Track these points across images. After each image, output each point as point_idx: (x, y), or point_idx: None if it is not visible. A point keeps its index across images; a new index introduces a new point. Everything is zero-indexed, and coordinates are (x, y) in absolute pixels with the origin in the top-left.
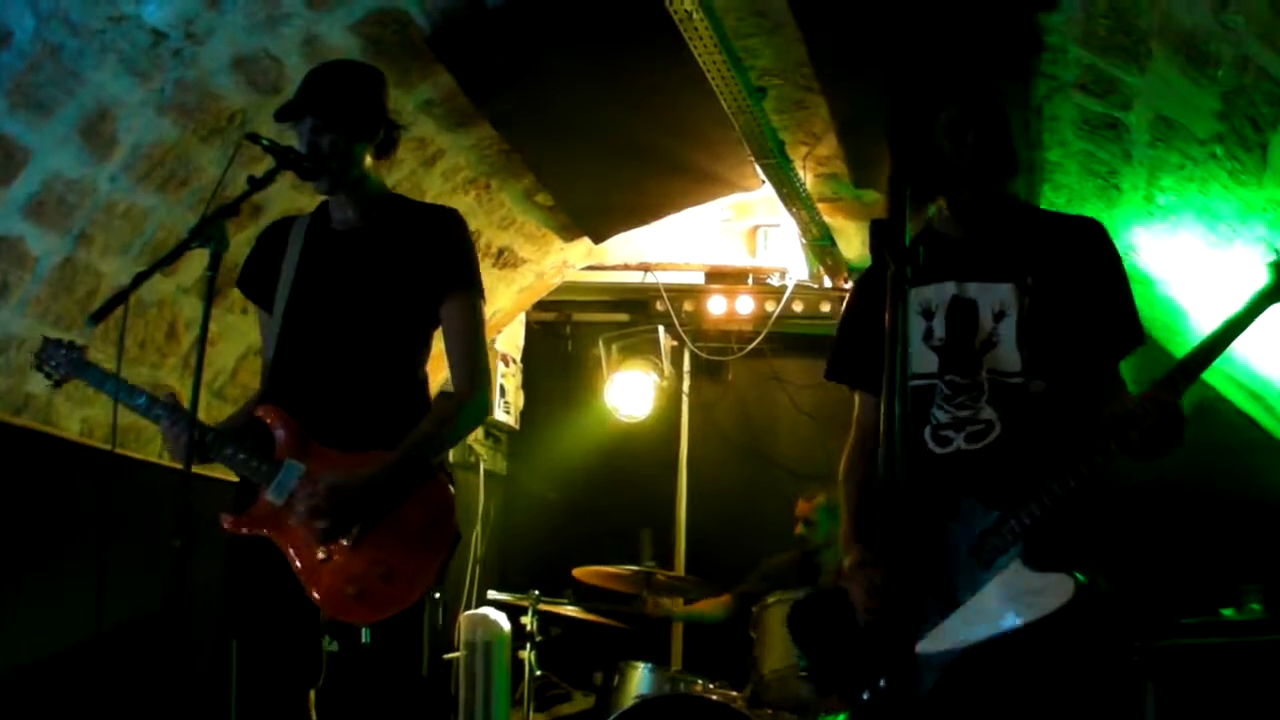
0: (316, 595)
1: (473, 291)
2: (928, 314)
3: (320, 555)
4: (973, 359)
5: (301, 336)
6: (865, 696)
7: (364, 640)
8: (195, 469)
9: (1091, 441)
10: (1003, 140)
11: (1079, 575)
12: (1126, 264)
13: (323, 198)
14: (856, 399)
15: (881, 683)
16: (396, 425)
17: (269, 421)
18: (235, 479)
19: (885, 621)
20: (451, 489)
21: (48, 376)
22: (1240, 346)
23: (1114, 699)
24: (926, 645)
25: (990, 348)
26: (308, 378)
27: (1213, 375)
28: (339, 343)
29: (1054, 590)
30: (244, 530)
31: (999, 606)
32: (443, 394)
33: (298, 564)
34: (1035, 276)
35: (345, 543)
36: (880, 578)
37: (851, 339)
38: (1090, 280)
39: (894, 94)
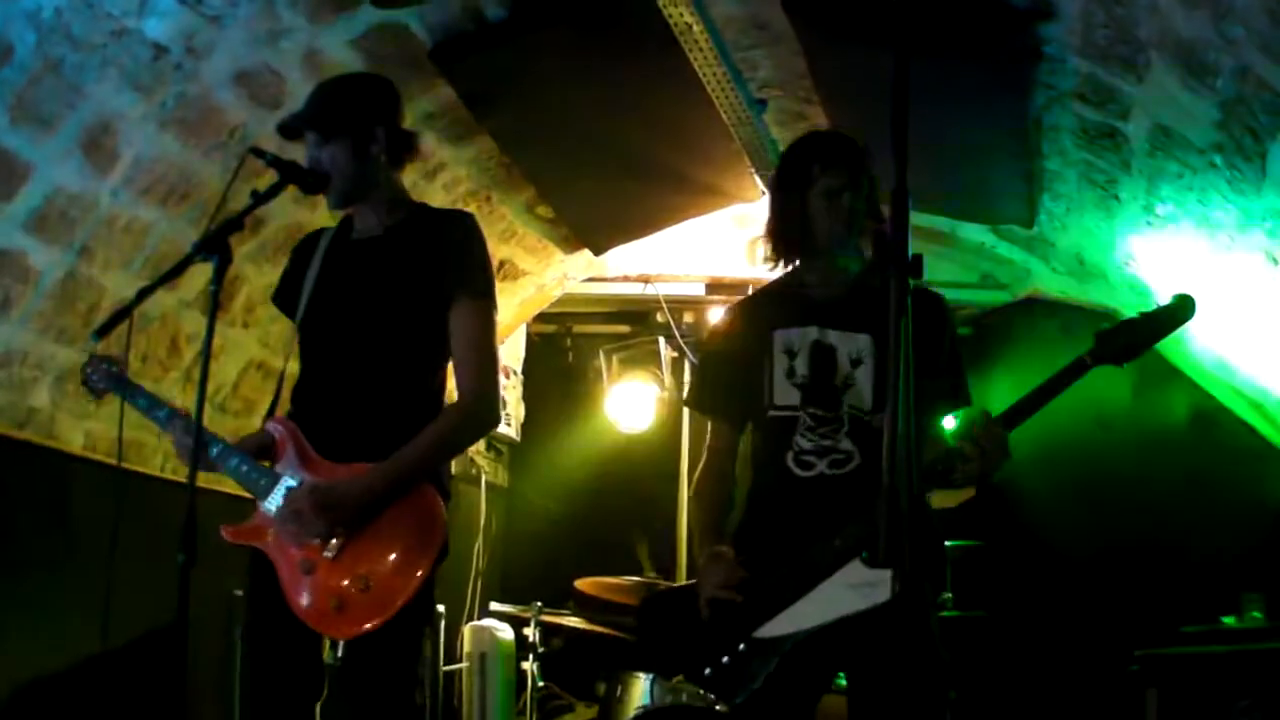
0: (298, 608)
1: (483, 296)
2: (790, 354)
3: (303, 567)
4: (834, 396)
5: (316, 347)
6: (708, 672)
7: (338, 654)
8: (201, 481)
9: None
10: (873, 206)
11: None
12: (1125, 273)
13: (340, 212)
14: (710, 426)
15: (725, 659)
16: (407, 436)
17: (274, 434)
18: (244, 492)
19: (735, 610)
20: (439, 500)
21: (91, 390)
22: (1241, 356)
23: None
24: (771, 629)
25: (848, 388)
26: (322, 388)
27: (1213, 384)
28: (349, 352)
29: (888, 584)
30: (240, 541)
31: (838, 596)
32: (453, 403)
33: (284, 576)
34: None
35: (327, 554)
36: (733, 574)
37: (709, 372)
38: (932, 345)
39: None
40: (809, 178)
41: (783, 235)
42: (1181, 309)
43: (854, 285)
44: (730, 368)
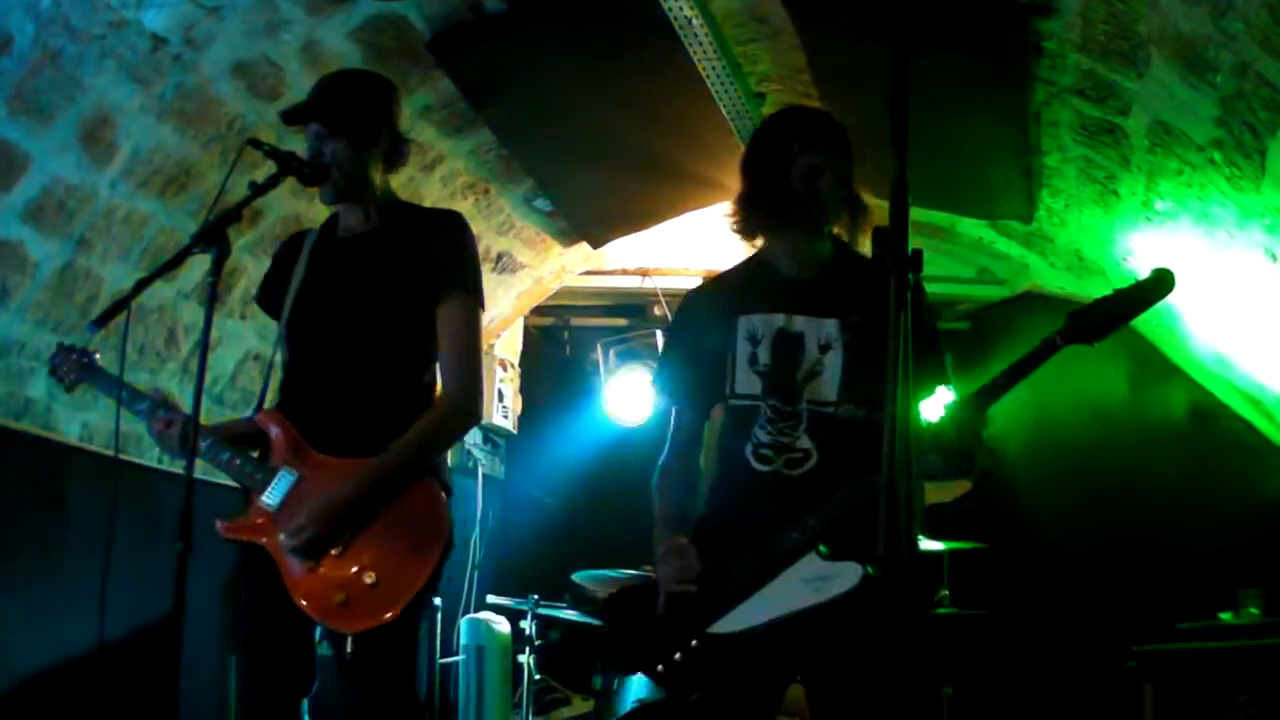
0: (304, 603)
1: (469, 295)
2: (754, 340)
3: (307, 563)
4: (793, 389)
5: (304, 343)
6: (661, 668)
7: (347, 649)
8: (198, 473)
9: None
10: (850, 189)
11: (869, 567)
12: (1124, 269)
13: (332, 208)
14: (674, 410)
15: (678, 655)
16: (398, 431)
17: (267, 428)
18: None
19: (691, 602)
20: (441, 494)
21: (60, 381)
22: (1240, 353)
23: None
24: (724, 625)
25: (812, 378)
26: (310, 383)
27: (1212, 380)
28: (338, 348)
29: (843, 577)
30: (237, 536)
31: (792, 590)
32: (438, 398)
33: (286, 571)
34: (859, 315)
35: (332, 551)
36: (689, 567)
37: (674, 356)
38: (915, 328)
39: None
40: (788, 155)
41: (757, 214)
42: (1160, 284)
43: (825, 268)
44: (694, 352)
